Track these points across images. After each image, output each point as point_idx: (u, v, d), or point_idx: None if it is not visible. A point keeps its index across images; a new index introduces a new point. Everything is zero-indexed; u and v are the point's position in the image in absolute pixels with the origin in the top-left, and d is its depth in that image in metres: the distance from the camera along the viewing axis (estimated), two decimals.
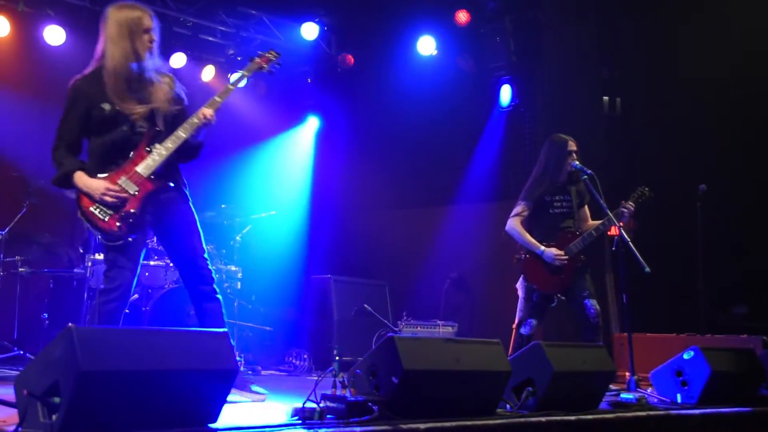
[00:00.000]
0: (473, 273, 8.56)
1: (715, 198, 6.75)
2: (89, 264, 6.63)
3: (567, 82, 8.17)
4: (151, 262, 7.00)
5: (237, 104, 9.26)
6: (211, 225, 7.71)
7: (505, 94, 8.56)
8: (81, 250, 6.93)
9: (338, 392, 3.25)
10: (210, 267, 4.12)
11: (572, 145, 5.49)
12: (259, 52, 4.47)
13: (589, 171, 5.35)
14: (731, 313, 7.53)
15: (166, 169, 4.01)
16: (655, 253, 5.39)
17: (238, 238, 7.53)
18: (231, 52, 8.88)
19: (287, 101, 9.82)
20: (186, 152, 4.15)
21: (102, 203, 3.81)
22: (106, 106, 3.88)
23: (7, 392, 2.92)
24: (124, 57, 3.92)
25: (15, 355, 6.33)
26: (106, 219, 3.82)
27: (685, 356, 4.52)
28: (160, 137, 3.97)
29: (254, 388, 4.23)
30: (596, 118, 8.07)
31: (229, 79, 8.78)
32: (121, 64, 3.92)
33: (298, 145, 9.99)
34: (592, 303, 5.22)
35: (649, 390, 4.74)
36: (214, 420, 2.85)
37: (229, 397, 3.09)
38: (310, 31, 8.73)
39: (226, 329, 3.10)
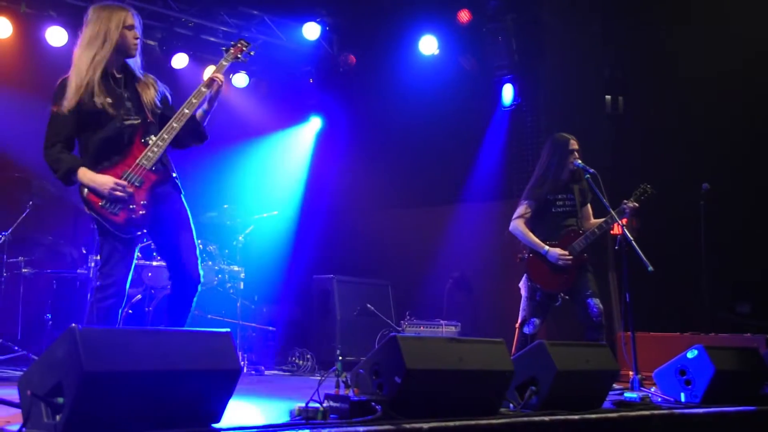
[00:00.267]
0: (476, 272, 8.55)
1: (718, 196, 6.74)
2: (92, 264, 6.63)
3: (569, 81, 8.17)
4: (154, 263, 7.01)
5: (239, 104, 9.28)
6: (213, 225, 7.73)
7: (507, 93, 8.55)
8: (84, 251, 6.93)
9: (341, 392, 3.25)
10: (199, 265, 4.11)
11: (574, 144, 5.49)
12: (232, 43, 4.49)
13: (592, 170, 5.35)
14: (735, 312, 7.52)
15: (165, 162, 4.06)
16: (659, 252, 5.38)
17: (240, 238, 7.54)
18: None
19: (289, 101, 9.82)
20: (193, 133, 4.18)
21: (110, 198, 3.81)
22: (98, 100, 3.88)
23: (11, 393, 2.93)
24: (108, 50, 3.95)
25: (18, 356, 6.34)
26: (117, 213, 3.83)
27: (689, 355, 4.51)
28: (153, 129, 4.00)
29: None
30: (598, 117, 8.06)
31: (231, 80, 8.85)
32: (108, 61, 3.96)
33: (301, 145, 10.00)
34: (595, 302, 5.22)
35: (653, 389, 4.74)
36: (218, 420, 2.85)
37: None
38: (311, 31, 8.73)
39: (228, 330, 3.10)
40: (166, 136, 3.96)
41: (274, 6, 8.66)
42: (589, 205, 5.59)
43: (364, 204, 9.53)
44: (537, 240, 5.38)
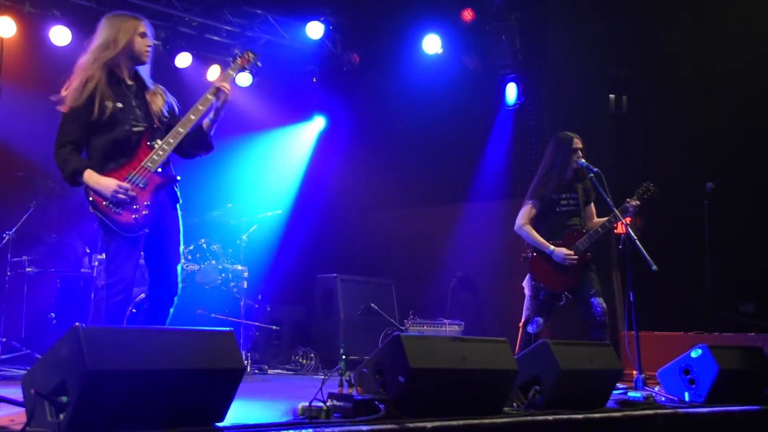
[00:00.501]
0: (480, 271, 8.55)
1: (722, 195, 6.73)
2: (96, 263, 6.65)
3: (573, 81, 8.16)
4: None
5: (243, 103, 9.28)
6: (217, 224, 7.73)
7: (511, 92, 8.55)
8: (87, 250, 6.94)
9: (345, 391, 3.25)
10: (179, 277, 4.18)
11: (578, 143, 5.48)
12: (238, 52, 4.60)
13: (596, 169, 5.34)
14: (739, 311, 7.51)
15: (168, 165, 4.14)
16: (663, 251, 5.38)
17: (244, 237, 7.54)
18: (236, 51, 8.86)
19: (293, 100, 9.83)
20: (200, 143, 4.26)
21: (113, 200, 3.90)
22: (109, 104, 3.98)
23: (15, 391, 2.93)
24: (120, 56, 4.05)
25: (22, 354, 6.36)
26: (121, 213, 3.91)
27: (693, 354, 4.51)
28: (159, 133, 4.10)
29: None
30: (602, 116, 8.05)
31: (234, 79, 8.85)
32: (119, 66, 4.06)
33: (305, 144, 10.00)
34: (599, 301, 5.21)
35: (657, 388, 4.73)
36: (221, 419, 2.85)
37: None
38: (315, 30, 8.73)
39: (231, 329, 3.10)
40: (171, 141, 4.05)
41: (278, 5, 8.67)
42: (592, 204, 5.58)
43: (368, 203, 9.53)
44: (542, 240, 5.37)
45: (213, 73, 8.84)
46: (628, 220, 5.28)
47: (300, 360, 7.65)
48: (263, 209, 7.99)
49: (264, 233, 8.36)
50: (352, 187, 9.53)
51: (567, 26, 8.16)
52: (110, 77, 4.04)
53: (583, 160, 5.41)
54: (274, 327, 7.82)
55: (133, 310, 6.33)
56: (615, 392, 4.33)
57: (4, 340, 6.45)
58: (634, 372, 5.08)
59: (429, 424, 3.00)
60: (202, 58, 8.74)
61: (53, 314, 6.80)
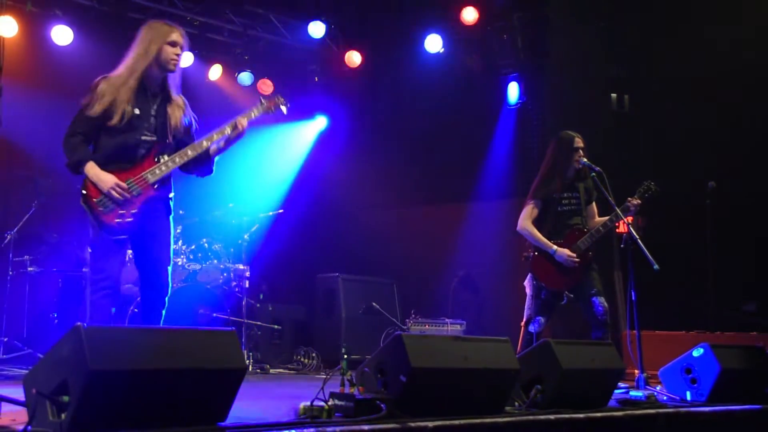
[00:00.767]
0: (481, 271, 8.55)
1: (724, 194, 6.72)
2: None
3: (575, 80, 8.15)
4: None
5: (245, 103, 9.28)
6: (219, 224, 7.74)
7: (513, 91, 8.55)
8: (89, 249, 6.93)
9: (346, 390, 3.25)
10: (169, 279, 4.26)
11: (579, 142, 5.48)
12: (268, 97, 4.70)
13: (597, 168, 5.34)
14: (741, 311, 7.50)
15: (167, 181, 4.23)
16: (665, 251, 5.37)
17: (246, 236, 7.54)
18: (238, 50, 8.89)
19: (294, 100, 9.77)
20: (201, 165, 4.37)
21: (108, 197, 4.00)
22: (128, 108, 4.07)
23: (17, 391, 2.93)
24: (149, 63, 4.14)
25: (24, 354, 6.36)
26: (108, 213, 4.01)
27: (695, 354, 4.51)
28: (168, 149, 4.20)
29: None
30: (604, 115, 8.04)
31: (237, 78, 8.86)
32: (143, 70, 4.14)
33: (306, 144, 10.00)
34: (601, 300, 5.20)
35: (659, 387, 4.73)
36: (223, 418, 2.85)
37: None
38: (317, 29, 8.72)
39: (233, 328, 3.10)
40: (177, 160, 4.17)
41: (280, 4, 8.67)
42: (594, 204, 5.57)
43: (370, 202, 9.53)
44: (545, 239, 5.36)
45: (215, 72, 8.84)
46: (629, 219, 5.27)
47: (302, 359, 7.66)
48: (265, 209, 7.99)
49: (266, 233, 8.36)
50: (353, 186, 9.53)
51: (569, 26, 8.16)
52: (138, 83, 4.12)
53: (585, 160, 5.41)
54: (275, 326, 7.82)
55: (135, 310, 6.34)
56: (617, 391, 4.32)
57: (5, 339, 6.46)
58: (636, 371, 5.07)
59: (431, 424, 3.00)
60: (204, 58, 8.75)
61: (55, 314, 6.81)
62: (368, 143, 9.46)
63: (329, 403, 3.13)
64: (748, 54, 7.34)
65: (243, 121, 4.31)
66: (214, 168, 4.44)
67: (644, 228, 6.49)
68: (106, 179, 3.99)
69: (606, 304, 5.21)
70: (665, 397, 4.51)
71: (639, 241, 5.07)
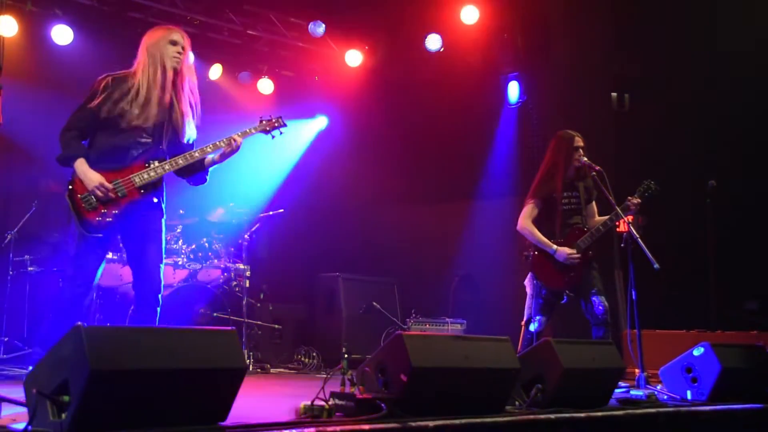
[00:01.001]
0: (482, 270, 8.54)
1: (724, 193, 6.72)
2: None
3: (575, 79, 8.15)
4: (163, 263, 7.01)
5: (245, 102, 9.28)
6: (219, 223, 7.73)
7: (513, 90, 8.54)
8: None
9: (347, 390, 3.25)
10: (161, 277, 4.30)
11: (579, 141, 5.48)
12: (268, 118, 4.74)
13: (598, 167, 5.34)
14: (742, 309, 7.50)
15: (155, 186, 4.25)
16: (665, 250, 5.37)
17: (246, 236, 7.54)
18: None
19: (295, 99, 9.82)
20: (194, 175, 4.44)
21: (92, 194, 4.06)
22: (127, 108, 4.13)
23: (17, 391, 2.93)
24: (152, 66, 4.22)
25: (24, 354, 6.36)
26: (90, 210, 4.08)
27: (695, 353, 4.51)
28: (160, 154, 4.24)
29: None
30: (604, 114, 8.04)
31: (238, 77, 8.85)
32: (146, 73, 4.21)
33: (307, 143, 10.00)
34: (601, 299, 5.21)
35: (659, 387, 4.73)
36: (224, 418, 2.85)
37: None
38: (317, 28, 8.71)
39: (234, 328, 3.10)
40: (167, 167, 4.22)
41: (280, 4, 8.66)
42: (594, 203, 5.57)
43: (371, 202, 9.53)
44: (545, 239, 5.36)
45: (215, 72, 8.84)
46: (630, 218, 5.27)
47: (302, 359, 7.65)
48: (265, 208, 7.99)
49: (266, 232, 8.36)
50: (354, 185, 9.53)
51: (569, 24, 8.15)
52: (146, 85, 4.19)
53: (585, 159, 5.41)
54: (276, 326, 7.82)
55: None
56: (617, 391, 4.32)
57: (6, 339, 6.45)
58: (637, 370, 5.07)
59: (431, 423, 3.00)
60: (205, 57, 8.74)
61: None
62: (368, 143, 9.46)
63: (330, 402, 3.13)
64: (750, 53, 7.33)
65: (238, 139, 4.42)
66: (208, 178, 4.50)
67: (644, 227, 6.48)
68: (92, 177, 4.05)
69: (606, 303, 5.21)
70: (666, 397, 4.51)
71: (639, 240, 5.07)
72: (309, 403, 3.12)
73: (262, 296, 8.01)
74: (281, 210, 7.99)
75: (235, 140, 4.39)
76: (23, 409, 2.75)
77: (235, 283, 7.45)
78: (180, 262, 7.07)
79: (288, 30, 8.92)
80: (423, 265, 8.90)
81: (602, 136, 7.43)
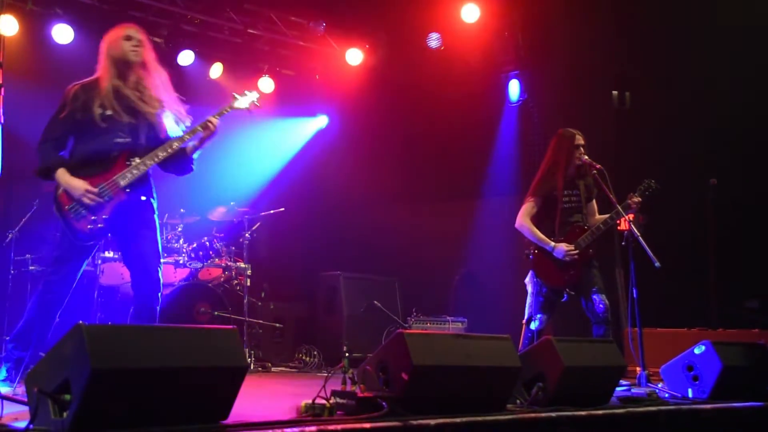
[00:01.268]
0: (483, 268, 8.55)
1: (725, 191, 6.71)
2: (99, 262, 6.66)
3: (576, 77, 8.14)
4: (161, 260, 7.01)
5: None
6: (220, 222, 7.74)
7: (514, 89, 8.53)
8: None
9: (348, 388, 3.25)
10: (160, 276, 4.29)
11: (580, 140, 5.48)
12: (238, 93, 4.72)
13: (598, 165, 5.34)
14: (743, 308, 7.50)
15: (141, 183, 4.23)
16: (666, 248, 5.36)
17: (247, 234, 7.55)
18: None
19: (295, 98, 9.83)
20: (179, 165, 4.40)
21: (79, 203, 4.05)
22: (98, 111, 4.12)
23: (19, 390, 2.93)
24: (114, 66, 4.25)
25: None
26: (80, 219, 4.06)
27: (696, 351, 4.50)
28: (140, 151, 4.21)
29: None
30: (605, 112, 8.03)
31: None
32: (110, 73, 4.24)
33: (308, 143, 10.01)
34: (602, 298, 5.21)
35: (660, 385, 4.72)
36: (225, 416, 2.85)
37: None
38: (317, 27, 8.71)
39: (235, 326, 3.10)
40: (148, 162, 4.18)
41: (280, 3, 8.66)
42: (594, 201, 5.57)
43: (371, 200, 9.52)
44: (543, 236, 5.36)
45: (215, 70, 8.84)
46: (630, 216, 5.27)
47: (303, 357, 7.65)
48: (266, 207, 7.99)
49: (267, 231, 8.36)
50: (355, 184, 9.53)
51: (569, 23, 8.14)
52: (113, 86, 4.20)
53: (586, 157, 5.41)
54: (277, 324, 7.82)
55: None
56: (618, 389, 4.32)
57: (7, 338, 6.45)
58: (638, 369, 5.07)
59: (432, 422, 3.00)
60: (205, 56, 8.74)
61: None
62: (369, 141, 9.46)
63: (331, 401, 3.13)
64: (752, 51, 7.32)
65: (215, 120, 4.36)
66: (194, 166, 4.45)
67: (645, 225, 6.48)
68: (77, 185, 4.04)
69: (607, 302, 5.21)
70: (667, 395, 4.51)
71: (640, 238, 5.07)
72: (310, 401, 3.12)
73: (263, 295, 8.01)
74: (282, 209, 7.99)
75: (211, 122, 4.34)
76: (25, 408, 2.75)
77: (236, 281, 7.46)
78: (181, 261, 7.08)
79: (288, 29, 8.92)
80: (424, 264, 8.90)
81: (603, 134, 7.42)
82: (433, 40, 8.59)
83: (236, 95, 4.59)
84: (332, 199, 9.77)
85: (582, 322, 5.46)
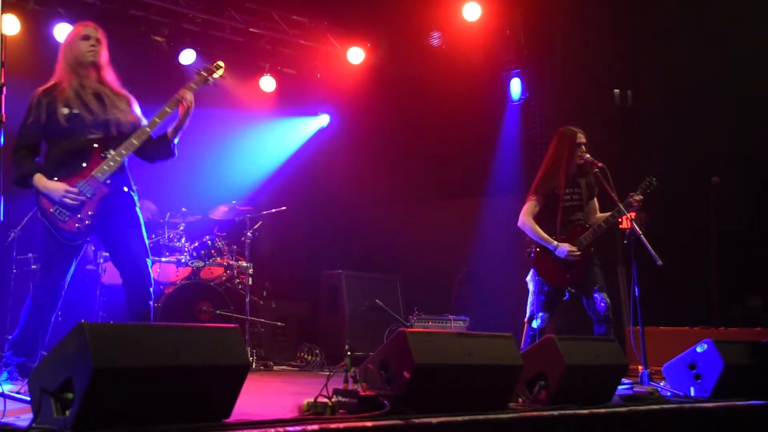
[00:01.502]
0: (485, 267, 8.54)
1: (728, 189, 6.70)
2: (101, 260, 6.66)
3: (577, 75, 8.13)
4: (162, 259, 7.03)
5: (247, 100, 9.29)
6: (222, 221, 7.74)
7: (516, 87, 8.53)
8: (92, 247, 6.95)
9: (350, 387, 3.25)
10: (150, 271, 4.24)
11: (582, 138, 5.47)
12: (206, 65, 4.65)
13: (600, 164, 5.33)
14: (746, 306, 7.49)
15: (120, 174, 4.20)
16: (668, 246, 5.36)
17: (249, 233, 7.55)
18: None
19: (297, 97, 9.83)
20: (161, 150, 4.35)
21: (62, 205, 4.03)
22: (64, 111, 4.11)
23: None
24: (71, 64, 4.25)
25: None
26: (66, 220, 4.04)
27: (698, 349, 4.50)
28: (113, 143, 4.17)
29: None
30: (607, 110, 8.02)
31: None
32: (69, 74, 4.23)
33: (310, 141, 10.01)
34: (603, 296, 5.20)
35: (662, 383, 4.72)
36: (227, 415, 2.86)
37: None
38: (318, 25, 8.71)
39: (237, 325, 3.10)
40: (123, 152, 4.15)
41: (282, 1, 8.66)
42: (595, 199, 5.57)
43: (373, 199, 9.53)
44: (546, 235, 5.36)
45: (219, 71, 8.82)
46: (632, 214, 5.26)
47: (305, 356, 7.66)
48: (268, 205, 8.00)
49: (269, 230, 8.36)
50: (356, 183, 9.53)
51: (571, 21, 8.14)
52: (74, 85, 4.19)
53: (587, 155, 5.40)
54: (279, 323, 7.82)
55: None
56: (620, 387, 4.32)
57: (9, 337, 6.45)
58: (640, 367, 5.07)
59: (434, 420, 3.00)
60: (207, 55, 8.73)
61: (59, 311, 6.81)
62: (371, 140, 9.46)
63: (333, 399, 3.13)
64: (753, 49, 7.31)
65: (185, 94, 4.29)
66: (175, 151, 4.39)
67: (647, 223, 6.48)
68: (54, 187, 4.03)
69: (608, 300, 5.21)
70: (669, 393, 4.50)
71: (642, 236, 5.06)
72: (312, 400, 3.12)
73: (265, 294, 8.01)
74: (284, 207, 7.99)
75: (183, 97, 4.28)
76: (28, 406, 2.75)
77: (238, 280, 7.46)
78: (183, 260, 7.08)
79: (290, 27, 8.92)
80: (426, 262, 8.90)
81: (605, 132, 7.41)
82: (434, 39, 8.59)
83: (201, 71, 4.55)
84: (334, 198, 9.77)
85: (583, 321, 5.46)
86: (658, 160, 5.18)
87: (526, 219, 5.45)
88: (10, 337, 4.37)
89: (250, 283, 7.38)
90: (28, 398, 2.78)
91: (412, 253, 9.01)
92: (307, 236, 9.47)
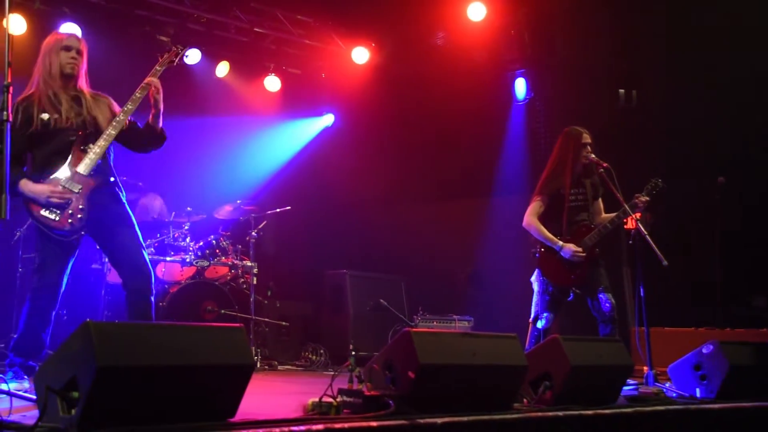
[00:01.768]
0: (489, 267, 8.54)
1: (733, 190, 6.68)
2: (106, 259, 6.67)
3: (582, 75, 8.12)
4: (168, 258, 7.04)
5: (252, 100, 9.29)
6: (227, 220, 7.75)
7: (520, 87, 8.52)
8: (97, 246, 6.96)
9: (355, 387, 3.25)
10: (148, 264, 4.24)
11: (587, 138, 5.46)
12: (169, 47, 4.73)
13: (605, 164, 5.32)
14: (751, 306, 7.47)
15: (104, 166, 4.24)
16: (673, 246, 5.35)
17: (253, 233, 7.56)
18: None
19: (302, 96, 9.83)
20: (150, 137, 4.41)
21: (49, 205, 4.05)
22: (44, 116, 4.16)
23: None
24: (49, 73, 4.26)
25: None
26: (58, 219, 4.06)
27: (704, 350, 4.49)
28: (92, 139, 4.22)
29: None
30: (612, 110, 8.01)
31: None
32: (46, 81, 4.26)
33: (315, 141, 10.02)
34: (608, 296, 5.19)
35: (668, 384, 4.71)
36: (232, 414, 2.86)
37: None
38: (323, 25, 8.71)
39: (242, 325, 3.10)
40: (102, 143, 4.20)
41: (287, 1, 8.66)
42: (600, 200, 5.56)
43: (378, 199, 9.53)
44: (551, 235, 5.35)
45: (222, 69, 8.85)
46: (637, 215, 5.25)
47: (309, 356, 7.66)
48: (273, 205, 8.01)
49: (273, 229, 8.36)
50: (361, 182, 9.53)
51: (575, 21, 8.12)
52: (49, 93, 4.22)
53: (593, 155, 5.40)
54: (283, 323, 7.83)
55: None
56: (625, 388, 4.31)
57: (14, 336, 6.47)
58: (645, 368, 5.06)
59: (439, 420, 2.99)
60: (211, 55, 8.75)
61: (64, 310, 6.83)
62: (375, 140, 9.46)
63: (337, 399, 3.13)
64: (756, 47, 7.29)
65: (152, 80, 4.35)
66: (164, 134, 4.45)
67: (652, 224, 6.47)
68: (39, 189, 4.06)
69: (613, 300, 5.20)
70: (674, 394, 4.50)
71: (647, 237, 5.05)
72: (317, 399, 3.12)
73: (269, 293, 8.02)
74: (288, 207, 8.00)
75: (152, 82, 4.34)
76: (34, 405, 2.76)
77: (242, 280, 7.47)
78: (188, 259, 7.09)
79: (295, 27, 8.93)
80: (430, 262, 8.90)
81: (610, 132, 7.40)
82: (439, 41, 8.59)
83: (164, 54, 4.60)
84: (338, 198, 9.78)
85: (588, 321, 5.45)
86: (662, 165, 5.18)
87: (531, 219, 5.44)
88: (14, 336, 4.37)
89: (255, 282, 7.39)
90: (35, 396, 2.78)
91: (416, 252, 9.01)
92: (311, 236, 9.48)
